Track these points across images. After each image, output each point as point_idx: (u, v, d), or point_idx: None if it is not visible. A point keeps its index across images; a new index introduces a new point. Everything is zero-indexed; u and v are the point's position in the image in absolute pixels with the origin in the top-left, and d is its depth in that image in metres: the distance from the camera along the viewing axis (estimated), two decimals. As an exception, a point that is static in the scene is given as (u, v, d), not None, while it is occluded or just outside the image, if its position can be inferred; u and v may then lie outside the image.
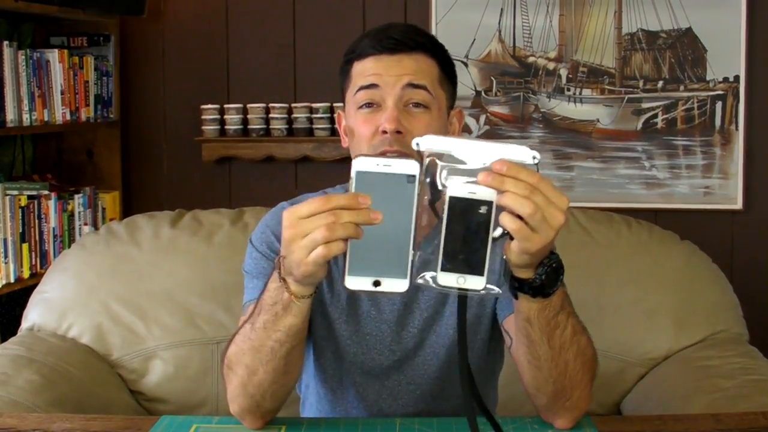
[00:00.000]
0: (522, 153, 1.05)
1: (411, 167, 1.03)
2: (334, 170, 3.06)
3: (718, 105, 3.07)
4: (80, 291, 2.11)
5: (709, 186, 3.10)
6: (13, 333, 2.15)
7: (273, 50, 3.29)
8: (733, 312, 2.13)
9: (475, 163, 1.04)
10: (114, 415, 1.65)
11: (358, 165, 1.04)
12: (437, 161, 1.04)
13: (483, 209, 1.02)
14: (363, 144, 1.38)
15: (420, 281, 1.05)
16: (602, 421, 1.35)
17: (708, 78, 3.07)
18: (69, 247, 2.55)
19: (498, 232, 1.04)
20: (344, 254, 1.05)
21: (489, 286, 1.04)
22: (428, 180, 1.04)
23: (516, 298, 1.16)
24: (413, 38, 1.42)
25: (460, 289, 1.04)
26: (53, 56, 2.98)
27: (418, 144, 1.05)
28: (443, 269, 1.03)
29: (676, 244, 2.21)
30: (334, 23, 3.21)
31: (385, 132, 1.36)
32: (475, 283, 1.03)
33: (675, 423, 1.37)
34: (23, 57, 2.84)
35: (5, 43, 2.77)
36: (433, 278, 1.04)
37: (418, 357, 1.48)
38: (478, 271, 1.03)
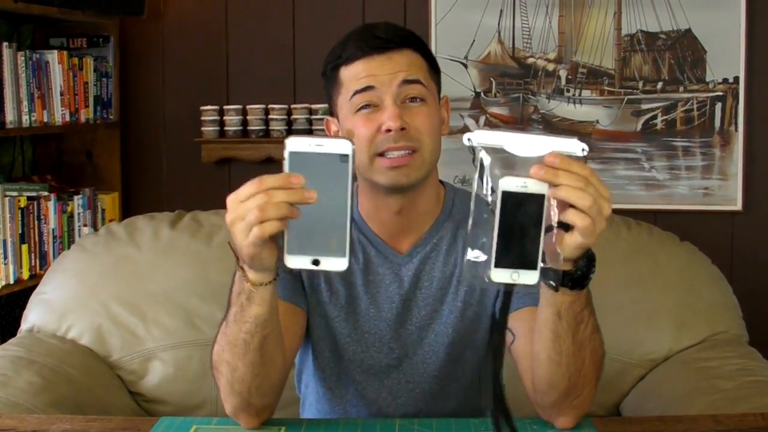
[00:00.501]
0: (571, 145, 1.04)
1: (344, 146, 1.03)
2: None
3: (718, 106, 3.07)
4: (80, 292, 2.11)
5: (708, 187, 3.10)
6: (13, 334, 2.14)
7: (272, 51, 3.29)
8: (733, 313, 2.13)
9: (524, 156, 1.03)
10: (113, 417, 1.65)
11: (291, 145, 1.04)
12: (488, 155, 1.03)
13: (535, 203, 1.02)
14: (365, 144, 1.38)
15: (473, 280, 1.04)
16: (602, 422, 1.34)
17: (707, 79, 3.07)
18: (68, 248, 2.54)
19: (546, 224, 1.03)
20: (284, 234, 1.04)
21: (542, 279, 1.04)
22: (481, 175, 1.03)
23: (557, 290, 1.15)
24: (398, 34, 1.43)
25: (513, 284, 1.03)
26: (53, 57, 2.98)
27: (470, 139, 1.04)
28: (497, 265, 1.02)
29: (676, 246, 2.21)
30: (333, 24, 3.21)
31: (388, 130, 1.37)
32: (528, 277, 1.03)
33: (674, 424, 1.37)
34: (23, 58, 2.84)
35: (5, 44, 2.77)
36: (484, 274, 1.03)
37: (417, 355, 1.47)
38: (531, 265, 1.03)
